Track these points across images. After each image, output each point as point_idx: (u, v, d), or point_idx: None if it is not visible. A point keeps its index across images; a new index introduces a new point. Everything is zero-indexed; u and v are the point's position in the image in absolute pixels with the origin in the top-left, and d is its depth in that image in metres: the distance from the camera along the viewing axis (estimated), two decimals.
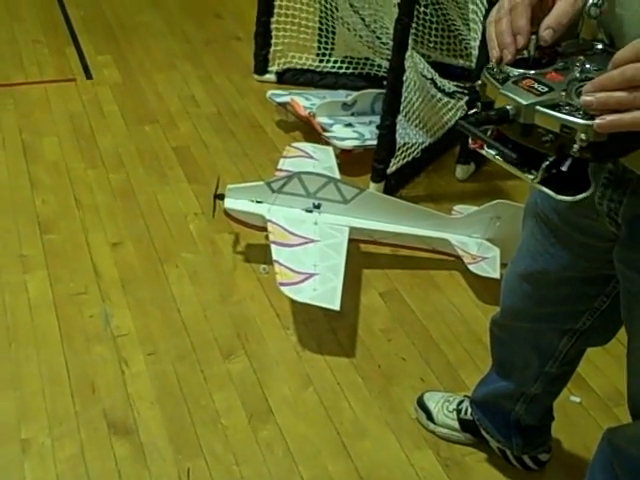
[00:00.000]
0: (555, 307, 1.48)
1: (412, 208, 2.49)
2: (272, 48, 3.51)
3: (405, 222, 2.44)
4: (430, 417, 1.97)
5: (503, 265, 2.42)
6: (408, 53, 2.66)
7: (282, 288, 2.13)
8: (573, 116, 0.89)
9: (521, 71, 0.98)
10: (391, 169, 2.81)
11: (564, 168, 0.94)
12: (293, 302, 2.24)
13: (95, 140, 3.04)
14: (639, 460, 1.34)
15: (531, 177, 0.95)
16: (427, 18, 3.26)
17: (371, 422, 2.00)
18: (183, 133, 3.14)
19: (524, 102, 0.93)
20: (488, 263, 2.40)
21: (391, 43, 2.66)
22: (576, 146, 0.90)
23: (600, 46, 1.02)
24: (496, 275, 2.37)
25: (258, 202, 2.39)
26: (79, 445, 1.87)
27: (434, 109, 3.01)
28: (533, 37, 1.00)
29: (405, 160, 2.88)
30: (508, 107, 0.94)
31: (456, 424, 1.94)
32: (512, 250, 2.44)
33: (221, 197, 2.39)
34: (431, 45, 3.38)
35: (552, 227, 1.35)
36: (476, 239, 2.46)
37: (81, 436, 1.89)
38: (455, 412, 1.94)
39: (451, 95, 3.09)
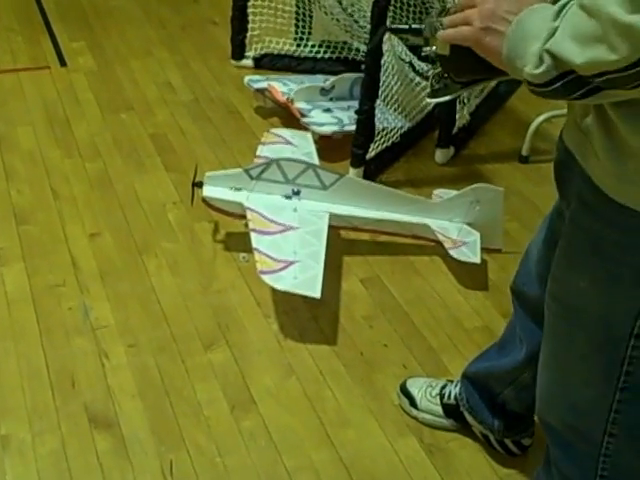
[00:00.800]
0: None
1: (392, 193, 2.48)
2: (249, 33, 3.48)
3: (385, 207, 2.43)
4: (413, 403, 1.97)
5: (484, 249, 2.43)
6: (386, 36, 2.64)
7: (262, 276, 2.11)
8: (436, 32, 1.11)
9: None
10: (370, 154, 2.80)
11: (430, 74, 1.18)
12: (274, 290, 2.22)
13: (71, 129, 3.00)
14: (558, 429, 1.33)
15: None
16: (404, 0, 3.23)
17: (354, 410, 1.99)
18: (160, 121, 3.10)
19: (426, 20, 1.16)
20: (469, 247, 2.40)
21: (369, 26, 2.64)
22: (432, 55, 1.14)
23: None
24: (477, 260, 2.37)
25: (237, 189, 2.37)
26: (60, 440, 1.85)
27: (413, 93, 2.99)
28: None
29: (384, 145, 2.87)
30: (422, 25, 1.17)
31: (439, 409, 1.94)
32: (492, 234, 2.48)
33: (199, 185, 2.37)
34: None
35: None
36: (456, 223, 2.46)
37: (62, 431, 1.87)
38: (438, 397, 1.95)
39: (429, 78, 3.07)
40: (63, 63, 3.44)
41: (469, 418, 1.89)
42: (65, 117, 3.07)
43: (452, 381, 1.96)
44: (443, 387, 1.96)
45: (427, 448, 1.91)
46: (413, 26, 1.26)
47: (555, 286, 1.25)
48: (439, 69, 1.16)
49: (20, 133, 2.95)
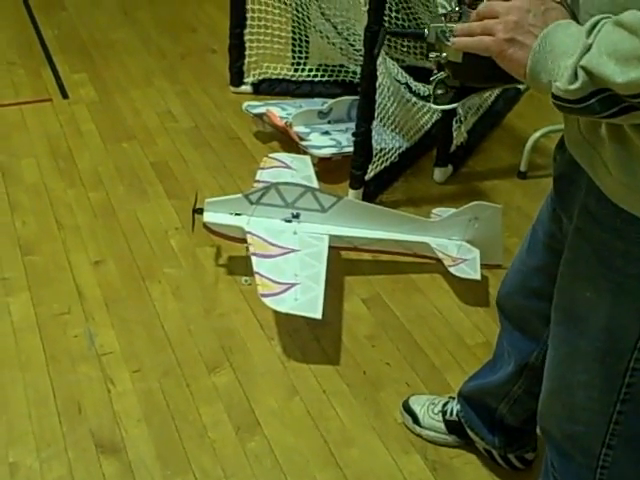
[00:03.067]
0: (542, 282, 1.49)
1: (390, 213, 2.51)
2: (247, 59, 3.53)
3: (384, 228, 2.45)
4: (416, 420, 1.98)
5: (483, 266, 2.45)
6: (380, 59, 2.67)
7: (264, 299, 2.14)
8: (445, 39, 1.11)
9: (463, 8, 1.16)
10: (369, 175, 2.83)
11: (432, 78, 1.17)
12: (276, 312, 2.24)
13: (73, 159, 3.04)
14: (557, 438, 1.34)
15: (429, 88, 1.12)
16: (398, 23, 3.27)
17: (358, 429, 2.01)
18: (161, 149, 3.15)
19: (431, 25, 1.14)
20: (468, 265, 2.42)
21: (363, 50, 2.68)
22: (442, 61, 1.13)
23: None
24: (477, 276, 2.39)
25: (237, 214, 2.40)
26: (67, 466, 1.87)
27: (409, 113, 3.02)
28: None
29: (383, 165, 2.90)
30: (425, 29, 1.15)
31: (442, 426, 1.95)
32: (491, 251, 2.50)
33: (200, 211, 2.40)
34: (404, 49, 3.39)
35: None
36: (455, 241, 2.48)
37: (69, 457, 1.89)
38: (441, 414, 1.96)
39: (426, 98, 3.11)
40: (65, 95, 3.49)
41: (471, 434, 1.90)
42: (68, 148, 3.11)
43: (454, 398, 1.97)
44: (445, 404, 1.98)
45: (431, 465, 1.92)
46: (414, 30, 1.28)
47: (560, 297, 1.26)
48: (444, 75, 1.16)
49: (24, 165, 3.00)
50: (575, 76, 0.94)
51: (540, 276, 1.49)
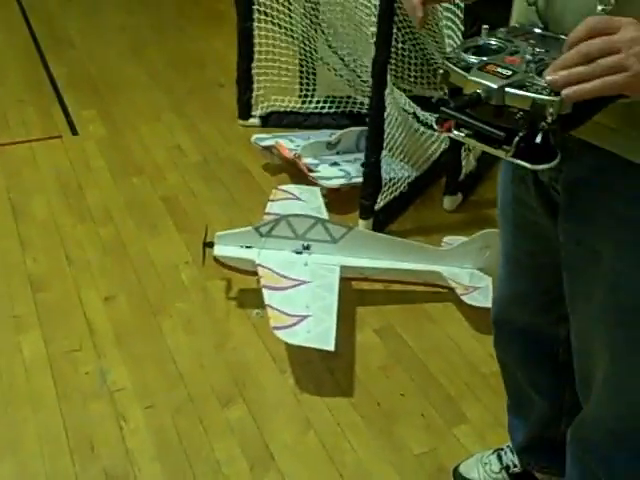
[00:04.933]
0: (543, 297, 1.48)
1: (401, 243, 2.50)
2: (255, 93, 3.55)
3: (395, 257, 2.44)
4: None
5: None
6: (388, 90, 2.69)
7: (276, 332, 2.12)
8: (541, 94, 0.97)
9: (481, 58, 1.06)
10: (379, 205, 2.82)
11: (538, 140, 1.01)
12: (289, 345, 2.23)
13: (83, 195, 3.05)
14: (602, 446, 1.32)
15: (504, 153, 1.02)
16: (405, 54, 3.29)
17: (374, 462, 1.98)
18: (171, 183, 3.16)
19: (494, 86, 1.00)
20: (481, 293, 2.40)
21: (371, 81, 2.69)
22: (548, 120, 0.97)
23: (538, 30, 1.11)
24: (489, 304, 2.36)
25: (247, 247, 2.40)
26: None
27: (418, 142, 3.03)
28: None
29: (392, 195, 2.90)
30: (479, 91, 1.01)
31: None
32: None
33: (210, 245, 2.40)
34: (411, 79, 3.41)
35: (511, 217, 1.41)
36: (467, 269, 2.47)
37: None
38: (504, 470, 1.84)
39: (434, 127, 3.12)
40: (74, 132, 3.51)
41: (544, 477, 1.80)
42: (78, 184, 3.13)
43: (502, 448, 1.87)
44: (499, 458, 1.86)
45: None
46: (468, 98, 1.02)
47: (622, 294, 1.20)
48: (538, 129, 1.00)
49: (34, 202, 3.01)
50: None
51: (544, 292, 1.48)
